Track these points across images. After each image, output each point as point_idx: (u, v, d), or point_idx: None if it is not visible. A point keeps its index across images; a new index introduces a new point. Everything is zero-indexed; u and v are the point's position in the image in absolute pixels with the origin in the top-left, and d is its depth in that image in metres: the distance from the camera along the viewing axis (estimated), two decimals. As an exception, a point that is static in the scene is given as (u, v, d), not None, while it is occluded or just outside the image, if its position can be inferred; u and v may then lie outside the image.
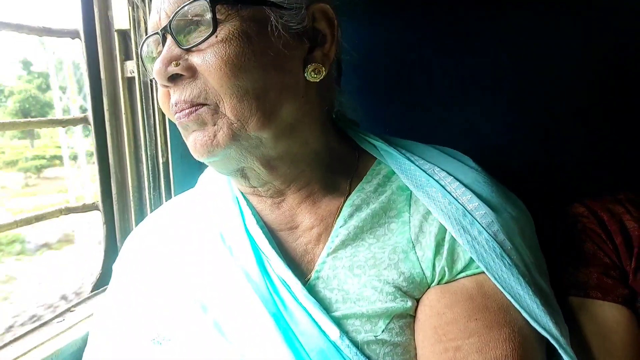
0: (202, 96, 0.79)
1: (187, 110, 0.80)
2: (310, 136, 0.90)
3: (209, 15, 0.76)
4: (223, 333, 0.82)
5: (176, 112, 0.82)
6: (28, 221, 1.23)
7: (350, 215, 0.89)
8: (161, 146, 1.35)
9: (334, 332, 0.78)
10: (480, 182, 0.89)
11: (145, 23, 1.31)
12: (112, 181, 1.39)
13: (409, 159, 0.92)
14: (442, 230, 0.83)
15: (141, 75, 1.33)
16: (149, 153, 1.36)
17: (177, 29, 0.79)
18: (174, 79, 0.80)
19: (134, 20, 1.31)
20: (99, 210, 1.39)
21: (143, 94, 1.34)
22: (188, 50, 0.79)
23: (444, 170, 0.90)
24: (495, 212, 0.83)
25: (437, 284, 0.83)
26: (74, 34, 1.34)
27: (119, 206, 1.40)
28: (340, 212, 0.90)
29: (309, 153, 0.91)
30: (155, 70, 0.80)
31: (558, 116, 1.30)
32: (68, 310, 1.21)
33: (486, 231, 0.80)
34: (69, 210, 1.35)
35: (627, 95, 1.24)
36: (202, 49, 0.77)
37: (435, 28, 1.37)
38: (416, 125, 1.34)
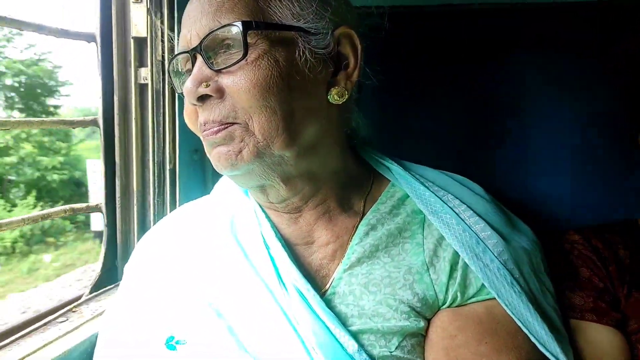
0: (231, 116, 0.82)
1: (216, 128, 0.84)
2: (330, 156, 0.94)
3: (239, 39, 0.80)
4: (238, 340, 0.85)
5: (204, 130, 0.86)
6: (34, 219, 1.24)
7: (366, 234, 0.93)
8: (169, 153, 1.38)
9: (351, 345, 0.82)
10: (491, 211, 0.95)
11: (163, 33, 1.34)
12: (117, 184, 1.41)
13: (423, 184, 0.97)
14: (456, 255, 0.88)
15: (154, 83, 1.36)
16: (156, 159, 1.39)
17: (208, 50, 0.83)
18: (203, 98, 0.84)
19: (151, 28, 1.34)
20: (101, 212, 1.41)
21: (155, 101, 1.37)
22: (218, 72, 0.83)
23: (457, 198, 0.95)
24: (505, 240, 0.89)
25: (449, 307, 0.88)
26: (90, 38, 1.36)
27: (122, 209, 1.42)
28: (356, 230, 0.94)
29: (327, 172, 0.95)
30: (186, 89, 0.83)
31: (554, 148, 1.37)
32: (70, 310, 1.22)
33: (497, 259, 0.86)
34: (73, 211, 1.36)
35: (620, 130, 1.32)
36: (232, 71, 0.81)
37: (449, 61, 1.43)
38: (428, 149, 1.40)
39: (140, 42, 1.36)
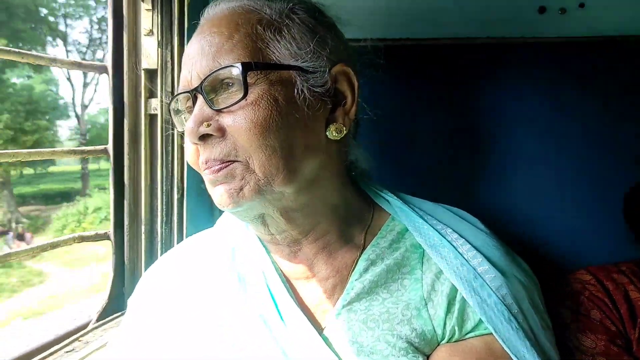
0: (232, 154, 0.84)
1: (217, 167, 0.85)
2: (329, 190, 0.95)
3: (239, 79, 0.82)
4: None
5: (205, 169, 0.87)
6: (43, 248, 1.26)
7: (366, 270, 0.93)
8: (177, 183, 1.40)
9: None
10: (490, 245, 0.94)
11: (173, 65, 1.36)
12: (125, 212, 1.43)
13: (422, 217, 0.97)
14: (454, 290, 0.88)
15: (163, 113, 1.38)
16: (164, 188, 1.40)
17: (208, 90, 0.85)
18: (204, 137, 0.85)
19: (161, 60, 1.36)
20: (110, 240, 1.42)
21: (164, 131, 1.39)
22: (218, 111, 0.84)
23: (455, 231, 0.95)
24: (504, 275, 0.88)
25: (447, 342, 0.88)
26: (101, 69, 1.38)
27: (130, 237, 1.43)
28: (355, 266, 0.95)
29: (327, 206, 0.96)
30: (188, 129, 0.85)
31: (556, 184, 1.35)
32: (76, 339, 1.23)
33: (495, 294, 0.86)
34: (82, 239, 1.38)
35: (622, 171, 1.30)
36: (233, 110, 0.83)
37: (444, 95, 1.43)
38: (427, 182, 1.39)
39: (151, 73, 1.38)
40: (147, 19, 1.35)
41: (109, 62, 1.38)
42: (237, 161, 0.84)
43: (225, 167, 0.84)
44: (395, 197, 1.02)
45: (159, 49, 1.35)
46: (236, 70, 0.82)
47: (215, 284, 0.98)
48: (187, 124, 0.85)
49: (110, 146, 1.40)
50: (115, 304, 1.40)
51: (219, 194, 0.86)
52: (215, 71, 0.83)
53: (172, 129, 1.38)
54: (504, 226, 1.05)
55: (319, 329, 0.90)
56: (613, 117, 1.32)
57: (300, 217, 0.93)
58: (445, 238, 0.93)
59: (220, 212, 1.52)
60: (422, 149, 1.43)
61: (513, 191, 1.37)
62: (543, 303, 0.94)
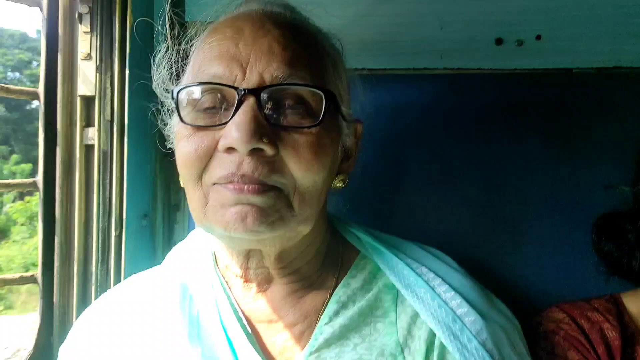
0: (278, 181, 0.75)
1: (257, 186, 0.73)
2: (318, 234, 0.90)
3: (316, 104, 0.76)
4: None
5: (232, 182, 0.74)
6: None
7: (336, 313, 0.86)
8: (115, 219, 1.28)
9: None
10: (467, 286, 0.88)
11: (113, 91, 1.26)
12: (55, 252, 1.29)
13: (396, 256, 0.90)
14: (432, 335, 0.82)
15: (101, 144, 1.27)
16: (100, 225, 1.28)
17: (271, 100, 0.76)
18: (252, 151, 0.73)
19: (101, 87, 1.26)
20: (37, 282, 1.28)
21: (102, 163, 1.27)
22: (278, 127, 0.75)
23: (431, 270, 0.89)
24: (484, 318, 0.82)
25: None
26: (33, 95, 1.27)
27: (60, 280, 1.29)
28: (325, 309, 0.86)
29: (313, 249, 0.90)
30: (241, 137, 0.71)
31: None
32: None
33: (476, 339, 0.79)
34: (4, 282, 1.24)
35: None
36: (297, 134, 0.75)
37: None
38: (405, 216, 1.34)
39: (88, 100, 1.28)
40: (85, 41, 1.25)
41: (41, 88, 1.27)
42: (278, 189, 0.75)
43: (263, 190, 0.74)
44: (367, 234, 0.95)
45: (98, 74, 1.25)
46: (318, 96, 0.76)
47: (162, 329, 0.87)
48: (240, 130, 0.71)
49: (40, 178, 1.28)
50: (41, 356, 1.25)
51: (237, 214, 0.73)
52: (296, 84, 0.75)
53: (111, 161, 1.27)
54: (467, 265, 0.99)
55: None
56: (576, 145, 1.29)
57: (289, 258, 0.86)
58: (421, 277, 0.87)
59: (164, 250, 1.41)
60: (375, 181, 1.36)
61: (475, 227, 1.32)
62: (526, 347, 0.89)
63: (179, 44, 0.92)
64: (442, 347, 0.81)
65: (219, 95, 0.77)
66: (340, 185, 0.90)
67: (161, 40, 1.22)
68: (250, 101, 0.73)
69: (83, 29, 1.25)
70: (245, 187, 0.73)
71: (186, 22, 1.28)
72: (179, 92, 0.79)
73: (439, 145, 1.35)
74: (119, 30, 1.25)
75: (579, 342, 1.02)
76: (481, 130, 1.34)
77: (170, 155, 1.43)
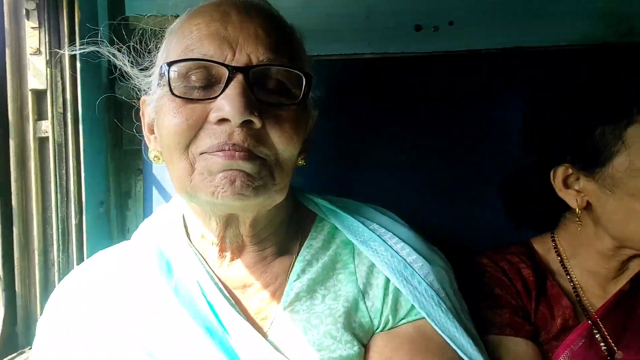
0: (263, 152, 0.83)
1: (246, 154, 0.81)
2: (284, 204, 0.97)
3: (296, 85, 0.86)
4: None
5: (223, 149, 0.81)
6: None
7: (303, 270, 0.96)
8: (75, 208, 1.32)
9: None
10: (412, 237, 1.02)
11: (64, 85, 1.30)
12: (14, 245, 1.31)
13: (351, 216, 1.02)
14: (387, 281, 0.94)
15: (55, 136, 1.31)
16: (59, 215, 1.32)
17: (256, 78, 0.84)
18: (243, 123, 0.80)
19: (52, 81, 1.30)
20: (-3, 275, 1.30)
21: (57, 154, 1.31)
22: (265, 104, 0.83)
23: (382, 226, 1.01)
24: (429, 263, 0.96)
25: (381, 330, 0.92)
26: (-18, 91, 1.29)
27: (21, 270, 1.32)
28: (292, 268, 0.96)
29: (278, 219, 0.99)
30: (235, 110, 0.78)
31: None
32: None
33: (424, 281, 0.93)
34: (-36, 277, 1.25)
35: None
36: (279, 110, 0.85)
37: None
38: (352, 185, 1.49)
39: (39, 94, 1.31)
40: (34, 37, 1.28)
41: (-11, 83, 1.29)
42: (263, 159, 0.83)
43: (251, 157, 0.81)
44: (322, 199, 1.06)
45: (48, 69, 1.29)
46: (299, 77, 0.85)
47: (147, 293, 0.93)
48: (235, 104, 0.78)
49: (-6, 173, 1.30)
50: (7, 344, 1.27)
51: (226, 180, 0.80)
52: (282, 67, 0.85)
53: (66, 152, 1.31)
54: (408, 221, 1.13)
55: (264, 335, 0.89)
56: (488, 117, 1.48)
57: (260, 226, 0.95)
58: (374, 233, 0.99)
59: (120, 235, 1.47)
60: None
61: (413, 189, 1.49)
62: (457, 287, 1.02)
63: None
64: (396, 291, 0.93)
65: (207, 71, 0.85)
66: (302, 162, 0.96)
67: (110, 32, 1.30)
68: (239, 78, 0.81)
69: (31, 24, 1.28)
70: (237, 154, 0.80)
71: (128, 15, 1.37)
72: (170, 67, 0.85)
73: (368, 121, 1.51)
74: (67, 25, 1.30)
75: (501, 280, 1.20)
76: (405, 107, 1.50)
77: (119, 145, 1.50)
